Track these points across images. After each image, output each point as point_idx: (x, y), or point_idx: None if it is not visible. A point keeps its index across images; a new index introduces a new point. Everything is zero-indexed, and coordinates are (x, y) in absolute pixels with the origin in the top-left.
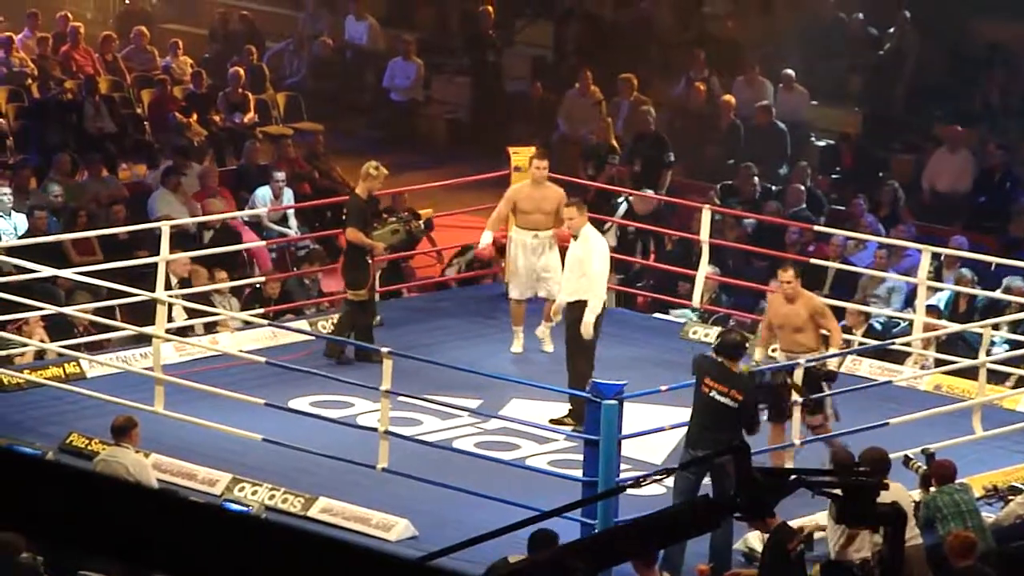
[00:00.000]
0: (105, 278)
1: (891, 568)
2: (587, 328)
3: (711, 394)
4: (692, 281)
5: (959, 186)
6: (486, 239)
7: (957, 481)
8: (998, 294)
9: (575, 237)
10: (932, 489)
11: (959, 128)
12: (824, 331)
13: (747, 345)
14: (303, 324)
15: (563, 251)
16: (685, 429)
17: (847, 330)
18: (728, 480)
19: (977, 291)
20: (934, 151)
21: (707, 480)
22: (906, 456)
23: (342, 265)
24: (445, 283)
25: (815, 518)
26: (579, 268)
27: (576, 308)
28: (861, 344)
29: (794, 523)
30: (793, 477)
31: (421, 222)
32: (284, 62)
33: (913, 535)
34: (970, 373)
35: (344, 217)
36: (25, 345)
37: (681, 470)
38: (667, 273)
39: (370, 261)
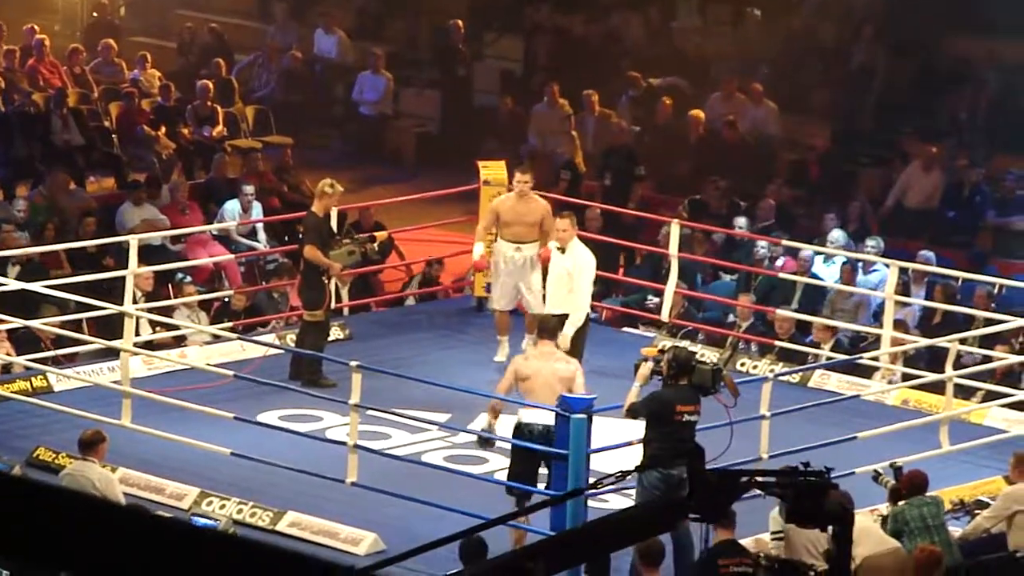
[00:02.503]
0: (73, 291)
1: (838, 567)
2: (564, 340)
3: (684, 419)
4: (661, 296)
5: (929, 203)
6: (479, 250)
7: (928, 494)
8: (965, 309)
9: (562, 250)
10: (902, 502)
11: (933, 149)
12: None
13: (694, 354)
14: (271, 337)
15: (544, 268)
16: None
17: (815, 345)
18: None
19: (941, 305)
20: (905, 167)
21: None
22: (875, 471)
23: (299, 284)
24: (415, 296)
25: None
26: (567, 281)
27: (562, 321)
28: (829, 359)
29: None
30: (744, 478)
31: (376, 244)
32: (253, 75)
33: (892, 544)
34: (937, 387)
35: (301, 235)
36: None
37: (637, 471)
38: (637, 288)
39: (326, 281)
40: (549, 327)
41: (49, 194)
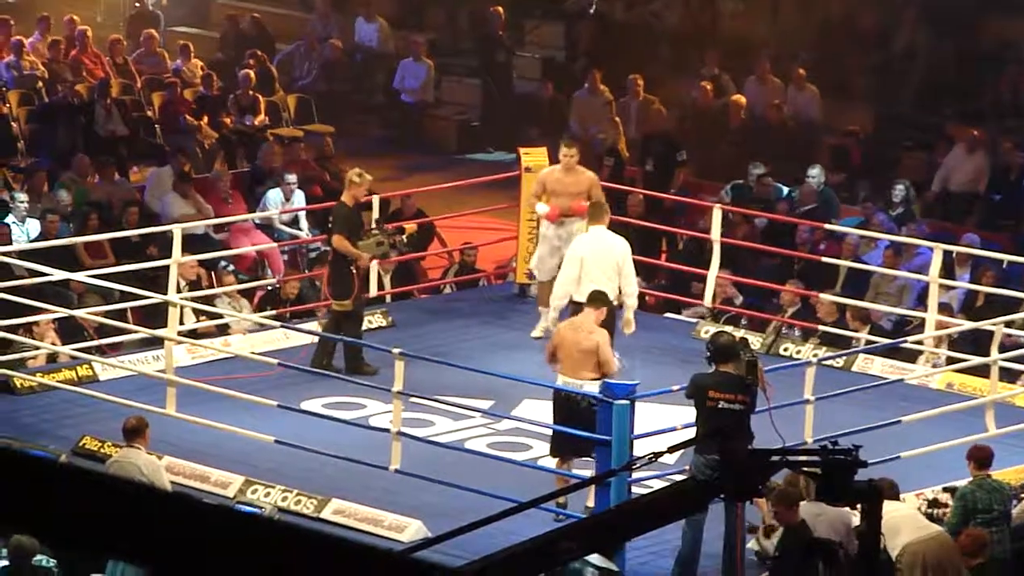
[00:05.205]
0: (116, 281)
1: (869, 543)
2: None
3: (719, 405)
4: (704, 281)
5: (974, 186)
6: (542, 207)
7: (995, 476)
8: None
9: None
10: (968, 481)
11: (975, 132)
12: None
13: (738, 342)
14: (314, 326)
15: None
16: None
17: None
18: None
19: (987, 288)
20: (949, 150)
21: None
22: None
23: (327, 275)
24: (456, 284)
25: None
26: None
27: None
28: (869, 343)
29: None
30: (776, 457)
31: (404, 237)
32: (294, 64)
33: (933, 529)
34: (982, 371)
35: (330, 225)
36: (38, 348)
37: (669, 452)
38: (679, 273)
39: (354, 271)
40: (594, 297)
41: (78, 178)
